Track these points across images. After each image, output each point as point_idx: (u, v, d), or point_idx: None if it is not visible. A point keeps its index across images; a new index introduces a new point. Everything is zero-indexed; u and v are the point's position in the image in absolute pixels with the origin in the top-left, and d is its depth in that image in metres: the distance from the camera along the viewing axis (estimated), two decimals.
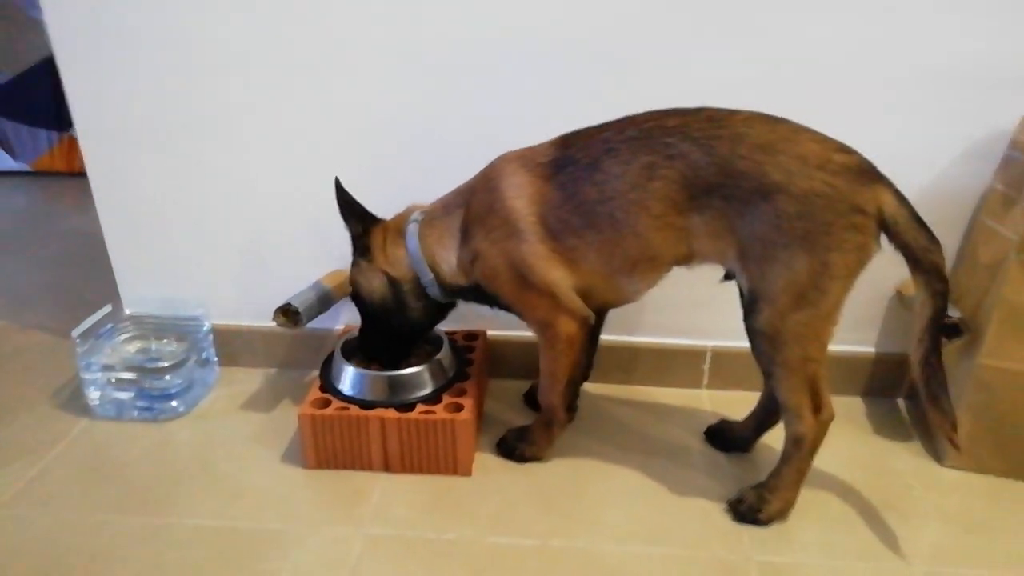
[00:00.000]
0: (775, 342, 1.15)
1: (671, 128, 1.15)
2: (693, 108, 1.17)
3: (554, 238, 1.24)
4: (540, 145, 1.28)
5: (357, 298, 1.44)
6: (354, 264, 1.42)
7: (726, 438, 1.47)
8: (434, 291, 1.39)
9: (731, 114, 1.14)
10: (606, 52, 1.41)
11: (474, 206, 1.30)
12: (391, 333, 1.45)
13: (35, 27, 2.93)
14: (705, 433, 1.51)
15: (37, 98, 3.06)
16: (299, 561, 1.21)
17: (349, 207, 1.37)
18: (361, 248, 1.40)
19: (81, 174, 1.65)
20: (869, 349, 1.61)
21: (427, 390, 1.42)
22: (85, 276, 2.20)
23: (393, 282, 1.39)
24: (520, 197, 1.24)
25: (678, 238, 1.19)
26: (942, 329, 1.13)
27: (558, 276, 1.25)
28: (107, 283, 1.69)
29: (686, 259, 1.22)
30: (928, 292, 1.10)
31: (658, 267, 1.25)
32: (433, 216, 1.37)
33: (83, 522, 1.29)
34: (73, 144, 3.10)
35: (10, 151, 3.17)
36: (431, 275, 1.36)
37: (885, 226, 1.10)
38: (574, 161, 1.21)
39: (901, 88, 1.39)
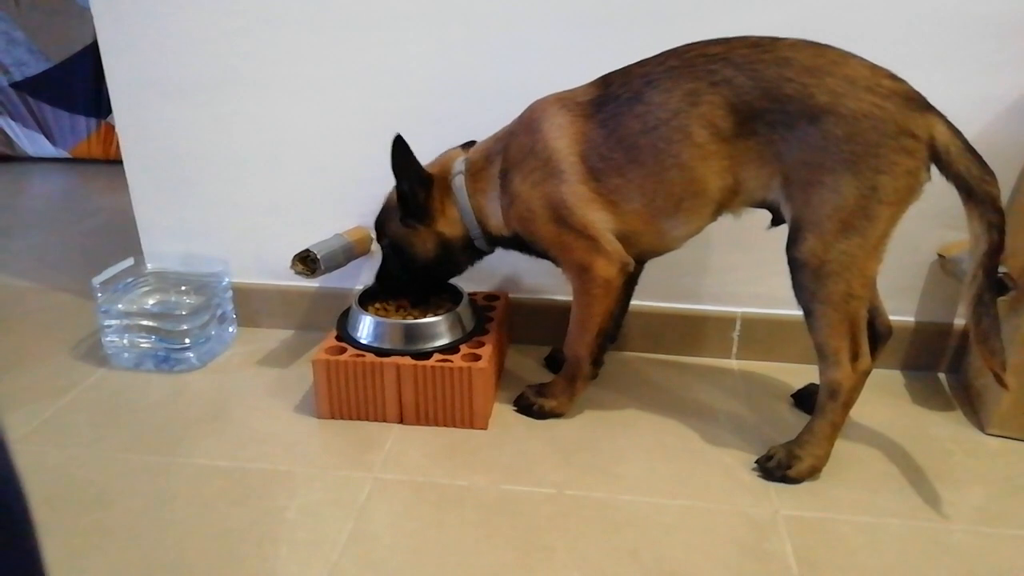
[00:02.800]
0: (818, 274, 1.10)
1: (714, 55, 1.12)
2: (736, 36, 1.13)
3: (596, 179, 1.20)
4: (579, 87, 1.25)
5: (404, 256, 1.39)
6: (405, 225, 1.36)
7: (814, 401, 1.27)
8: (481, 243, 1.37)
9: (776, 40, 1.11)
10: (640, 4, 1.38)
11: (512, 150, 1.27)
12: (426, 280, 1.45)
13: (80, 15, 3.00)
14: (793, 397, 1.44)
15: (78, 85, 3.13)
16: (307, 500, 1.17)
17: (411, 169, 1.30)
18: (420, 213, 1.34)
19: (115, 161, 1.67)
20: (909, 319, 1.53)
21: (445, 340, 1.38)
22: (113, 249, 2.21)
23: (446, 241, 1.36)
24: (562, 137, 1.21)
25: (723, 168, 1.14)
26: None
27: (598, 218, 1.22)
28: (133, 253, 1.69)
29: (731, 194, 1.18)
30: (983, 225, 1.04)
31: (703, 206, 1.20)
32: (477, 167, 1.33)
33: (94, 458, 1.27)
34: (110, 131, 3.15)
35: (50, 137, 3.23)
36: (479, 229, 1.34)
37: (937, 155, 1.05)
38: (615, 97, 1.19)
39: (948, 38, 1.33)
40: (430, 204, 1.34)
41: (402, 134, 1.28)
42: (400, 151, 1.28)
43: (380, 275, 1.47)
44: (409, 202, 1.33)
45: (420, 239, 1.37)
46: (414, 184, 1.32)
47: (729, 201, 1.19)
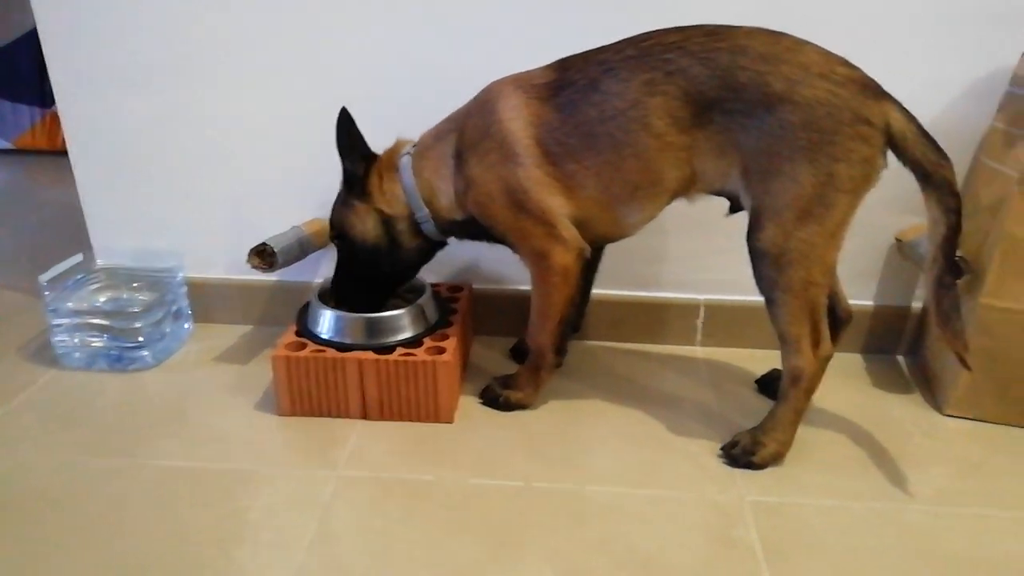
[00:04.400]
0: (779, 262, 1.10)
1: (670, 44, 1.11)
2: (693, 25, 1.13)
3: (552, 163, 1.19)
4: (536, 69, 1.23)
5: (346, 241, 1.36)
6: (345, 205, 1.34)
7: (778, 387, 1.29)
8: (429, 227, 1.33)
9: (731, 29, 1.10)
10: None
11: (468, 131, 1.25)
12: (377, 276, 1.39)
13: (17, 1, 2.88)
14: (757, 383, 1.45)
15: (20, 73, 3.01)
16: (270, 500, 1.15)
17: (353, 143, 1.29)
18: (359, 188, 1.32)
19: (62, 152, 1.60)
20: (868, 303, 1.56)
21: (407, 334, 1.36)
22: (61, 243, 2.13)
23: (388, 221, 1.33)
24: (517, 119, 1.19)
25: (680, 158, 1.14)
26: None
27: (555, 203, 1.20)
28: (82, 248, 1.63)
29: (688, 183, 1.17)
30: (940, 208, 1.06)
31: (659, 194, 1.19)
32: (426, 146, 1.31)
33: (47, 463, 1.23)
34: (55, 121, 3.04)
35: None
36: (426, 210, 1.31)
37: (893, 141, 1.06)
38: (572, 83, 1.17)
39: (898, 26, 1.35)
40: (368, 180, 1.31)
41: (358, 122, 1.25)
42: (343, 125, 1.26)
43: (335, 281, 1.42)
44: (349, 177, 1.31)
45: (360, 218, 1.33)
46: (355, 159, 1.30)
47: (686, 189, 1.19)
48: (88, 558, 1.03)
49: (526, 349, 1.39)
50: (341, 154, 1.29)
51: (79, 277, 1.58)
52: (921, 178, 1.07)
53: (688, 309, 1.59)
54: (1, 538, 1.07)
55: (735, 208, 1.23)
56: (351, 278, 1.40)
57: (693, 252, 1.55)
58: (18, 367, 1.52)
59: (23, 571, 1.01)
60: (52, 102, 2.95)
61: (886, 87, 1.08)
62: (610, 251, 1.42)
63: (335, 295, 1.42)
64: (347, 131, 1.27)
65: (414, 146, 1.33)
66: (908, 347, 1.57)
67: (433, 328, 1.39)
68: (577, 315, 1.52)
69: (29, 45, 2.96)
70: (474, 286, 1.61)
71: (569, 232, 1.22)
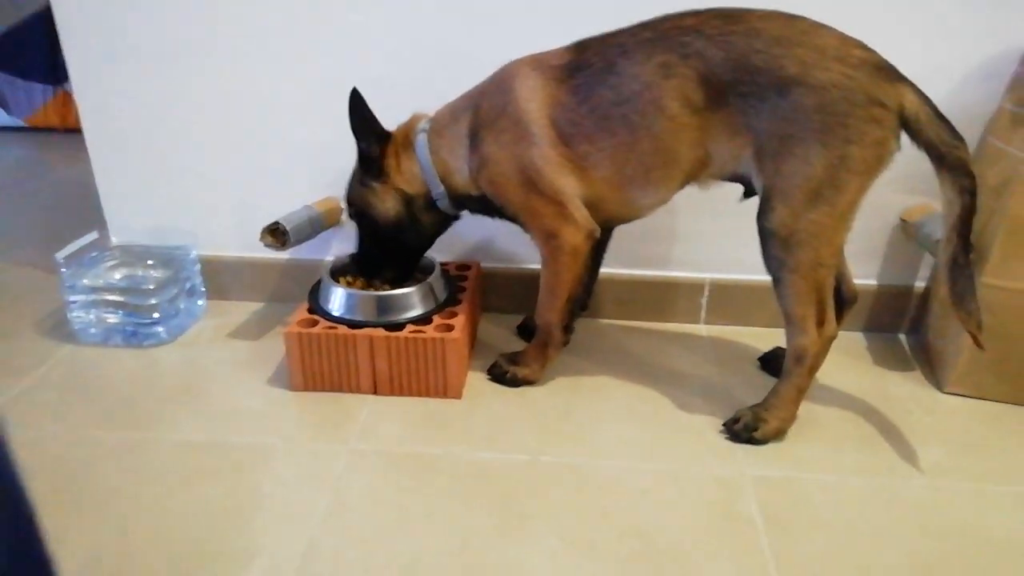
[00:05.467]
0: (787, 243, 1.12)
1: (686, 27, 1.12)
2: (709, 8, 1.14)
3: (566, 143, 1.20)
4: (554, 50, 1.24)
5: (366, 219, 1.38)
6: (363, 185, 1.35)
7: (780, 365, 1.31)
8: (444, 203, 1.35)
9: (747, 12, 1.11)
10: None
11: (484, 109, 1.26)
12: (398, 251, 1.42)
13: None
14: (760, 360, 1.47)
15: (32, 51, 3.02)
16: (282, 474, 1.18)
17: (367, 124, 1.30)
18: (375, 169, 1.33)
19: (74, 130, 1.62)
20: (871, 282, 1.57)
21: (417, 311, 1.39)
22: (76, 221, 2.16)
23: (407, 199, 1.35)
24: (532, 99, 1.21)
25: (693, 140, 1.15)
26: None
27: (567, 183, 1.22)
28: (97, 226, 1.66)
29: (701, 165, 1.19)
30: (955, 189, 1.06)
31: (672, 177, 1.21)
32: (441, 124, 1.32)
33: (64, 436, 1.26)
34: (67, 99, 3.06)
35: (4, 106, 3.12)
36: (442, 187, 1.33)
37: (907, 123, 1.07)
38: (589, 64, 1.18)
39: (908, 6, 1.35)
40: (385, 160, 1.33)
41: (370, 101, 1.27)
42: (356, 106, 1.27)
43: (356, 255, 1.45)
44: (366, 158, 1.33)
45: (379, 198, 1.35)
46: (370, 140, 1.31)
47: (699, 172, 1.20)
48: (107, 530, 1.07)
49: (533, 326, 1.42)
50: (356, 135, 1.31)
51: (94, 254, 1.60)
52: (935, 159, 1.08)
53: (693, 288, 1.61)
54: None
55: (748, 193, 1.24)
56: (375, 253, 1.43)
57: (699, 232, 1.56)
58: (36, 342, 1.55)
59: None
60: (63, 80, 3.00)
61: (901, 66, 1.08)
62: (618, 230, 1.44)
63: (360, 270, 1.45)
64: (360, 112, 1.28)
65: (429, 122, 1.34)
66: (910, 326, 1.59)
67: (442, 306, 1.42)
68: (585, 294, 1.54)
69: (40, 23, 2.96)
70: (482, 264, 1.63)
71: (580, 212, 1.24)
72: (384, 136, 1.33)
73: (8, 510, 0.50)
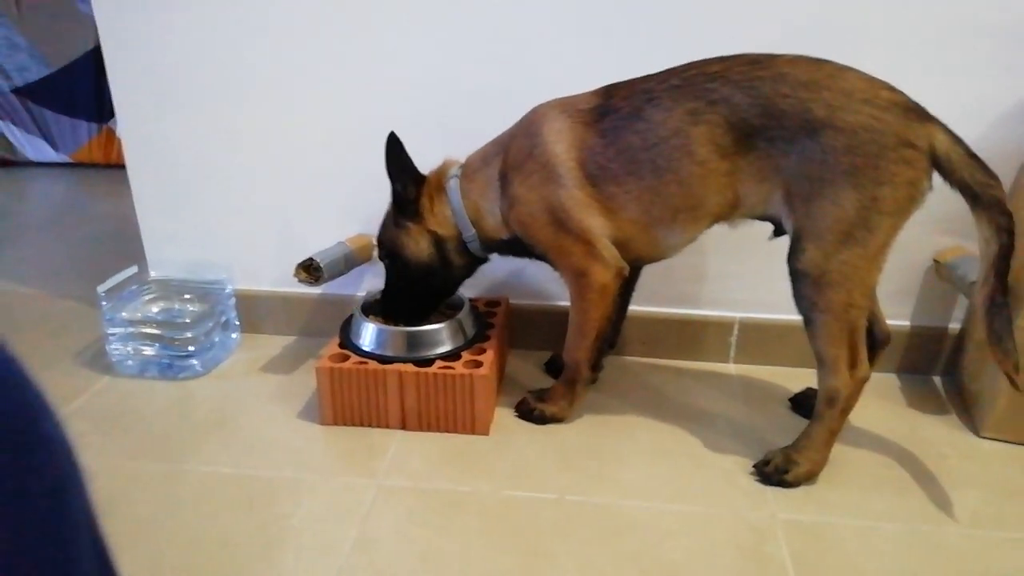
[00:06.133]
0: (819, 284, 1.11)
1: (713, 74, 1.14)
2: (735, 55, 1.15)
3: (593, 184, 1.22)
4: (581, 94, 1.27)
5: (398, 260, 1.40)
6: (397, 226, 1.38)
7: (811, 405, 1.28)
8: (475, 246, 1.38)
9: (773, 57, 1.12)
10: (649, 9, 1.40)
11: (512, 152, 1.28)
12: (425, 292, 1.44)
13: (80, 20, 3.01)
14: (791, 401, 1.46)
15: (79, 90, 3.13)
16: (312, 507, 1.19)
17: (404, 167, 1.33)
18: (411, 211, 1.36)
19: (116, 165, 1.68)
20: (904, 323, 1.55)
21: (446, 347, 1.40)
22: (115, 254, 2.23)
23: (439, 241, 1.37)
24: (560, 142, 1.23)
25: (722, 184, 1.16)
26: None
27: (595, 223, 1.23)
28: (136, 260, 1.70)
29: (731, 208, 1.19)
30: (992, 228, 1.06)
31: (700, 218, 1.22)
32: (473, 169, 1.35)
33: (101, 466, 1.29)
34: (111, 136, 3.16)
35: (51, 142, 3.24)
36: (473, 230, 1.35)
37: (939, 164, 1.07)
38: (616, 110, 1.20)
39: (944, 45, 1.35)
40: (420, 202, 1.35)
41: (405, 141, 1.30)
42: (394, 149, 1.30)
43: (384, 296, 1.47)
44: (400, 199, 1.35)
45: (412, 238, 1.37)
46: (406, 181, 1.33)
47: (728, 214, 1.21)
48: (139, 558, 1.09)
49: (560, 363, 1.42)
50: (391, 177, 1.33)
51: (133, 288, 1.65)
52: (970, 199, 1.07)
53: (723, 327, 1.60)
54: None
55: (779, 232, 1.24)
56: (400, 294, 1.44)
57: (728, 271, 1.56)
58: (75, 373, 1.59)
59: None
60: (108, 117, 3.11)
61: (930, 105, 1.08)
62: (647, 269, 1.45)
63: (383, 309, 1.47)
64: (397, 155, 1.31)
65: (460, 167, 1.36)
66: (944, 368, 1.56)
67: (471, 342, 1.43)
68: (613, 332, 1.55)
69: (87, 64, 3.08)
70: (511, 300, 1.64)
71: (609, 251, 1.25)
72: (419, 179, 1.36)
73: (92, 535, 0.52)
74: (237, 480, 1.25)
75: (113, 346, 1.57)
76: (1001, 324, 1.07)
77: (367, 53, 1.50)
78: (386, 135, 1.30)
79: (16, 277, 2.13)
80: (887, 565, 1.07)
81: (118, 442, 1.35)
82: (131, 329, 1.55)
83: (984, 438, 1.36)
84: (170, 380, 1.56)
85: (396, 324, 1.43)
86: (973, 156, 1.07)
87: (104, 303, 1.55)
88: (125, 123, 1.63)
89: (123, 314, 1.56)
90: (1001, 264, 1.06)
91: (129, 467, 1.29)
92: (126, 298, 1.62)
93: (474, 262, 1.43)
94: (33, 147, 3.26)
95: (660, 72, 1.20)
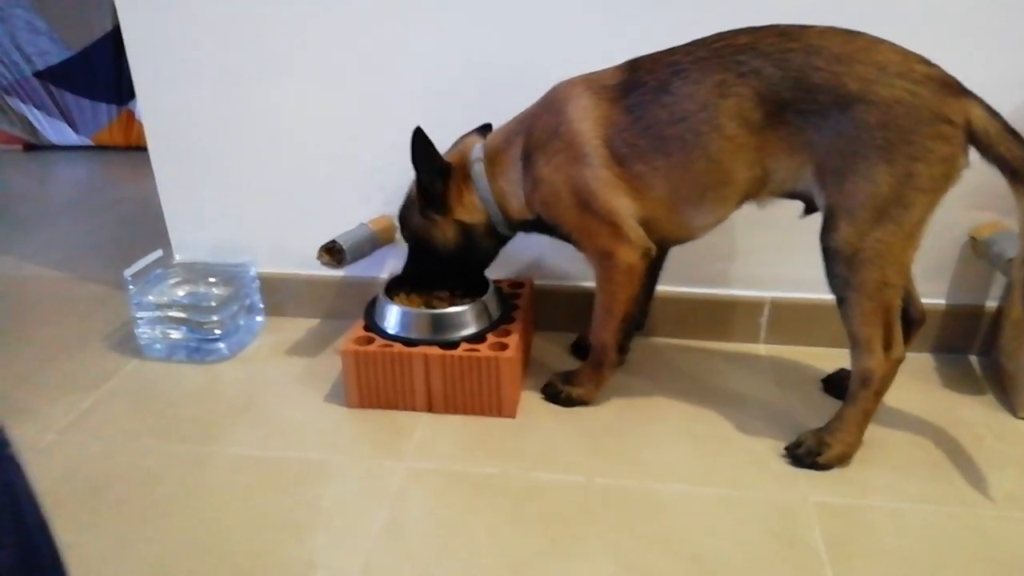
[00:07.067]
0: (852, 262, 1.09)
1: (742, 46, 1.11)
2: (765, 26, 1.12)
3: (620, 163, 1.20)
4: (605, 70, 1.24)
5: (427, 248, 1.39)
6: (424, 217, 1.36)
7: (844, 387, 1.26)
8: (503, 228, 1.36)
9: (804, 28, 1.09)
10: None
11: (536, 131, 1.26)
12: (457, 271, 1.44)
13: (99, 2, 3.00)
14: (823, 382, 1.44)
15: (99, 73, 3.14)
16: (341, 489, 1.19)
17: (430, 160, 1.30)
18: (438, 203, 1.34)
19: (137, 148, 1.67)
20: (939, 301, 1.52)
21: (471, 330, 1.39)
22: (139, 237, 2.24)
23: (467, 229, 1.36)
24: (586, 120, 1.20)
25: (751, 159, 1.14)
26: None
27: (622, 204, 1.21)
28: (160, 243, 1.71)
29: (759, 184, 1.17)
30: None
31: (729, 196, 1.19)
32: (495, 150, 1.33)
33: (132, 448, 1.30)
34: (130, 118, 3.17)
35: (73, 125, 3.25)
36: (501, 214, 1.34)
37: (976, 139, 1.04)
38: (642, 84, 1.18)
39: (979, 16, 1.31)
40: (448, 194, 1.34)
41: (425, 120, 1.28)
42: (420, 143, 1.28)
43: (407, 269, 1.47)
44: (429, 193, 1.33)
45: (441, 230, 1.37)
46: (433, 176, 1.31)
47: (757, 191, 1.18)
48: (174, 539, 1.10)
49: (587, 345, 1.41)
50: (418, 171, 1.31)
51: (159, 271, 1.65)
52: (1008, 174, 1.04)
53: (753, 306, 1.58)
54: (100, 517, 1.15)
55: (809, 210, 1.21)
56: (432, 270, 1.44)
57: (758, 249, 1.53)
58: (105, 357, 1.60)
59: (111, 548, 1.08)
60: (127, 99, 3.11)
61: (967, 79, 1.05)
62: (675, 249, 1.42)
63: (408, 281, 1.47)
64: (423, 149, 1.28)
65: (483, 147, 1.34)
66: (981, 347, 1.53)
67: (496, 324, 1.42)
68: (641, 313, 1.53)
69: (107, 47, 3.08)
70: (535, 282, 1.63)
71: (635, 232, 1.23)
72: (446, 171, 1.33)
73: (13, 514, 0.58)
74: (266, 462, 1.26)
75: (141, 330, 1.58)
76: None
77: (389, 31, 1.48)
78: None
79: (43, 261, 2.15)
80: (920, 547, 1.05)
81: (149, 424, 1.37)
82: (158, 313, 1.56)
83: (1022, 419, 1.33)
84: (197, 363, 1.57)
85: (434, 300, 1.46)
86: (1011, 131, 1.04)
87: (131, 287, 1.56)
88: (146, 106, 1.63)
89: (150, 298, 1.57)
90: None
91: (160, 449, 1.30)
92: (152, 282, 1.62)
93: (502, 241, 1.42)
94: (55, 130, 3.28)
95: (686, 44, 1.17)
